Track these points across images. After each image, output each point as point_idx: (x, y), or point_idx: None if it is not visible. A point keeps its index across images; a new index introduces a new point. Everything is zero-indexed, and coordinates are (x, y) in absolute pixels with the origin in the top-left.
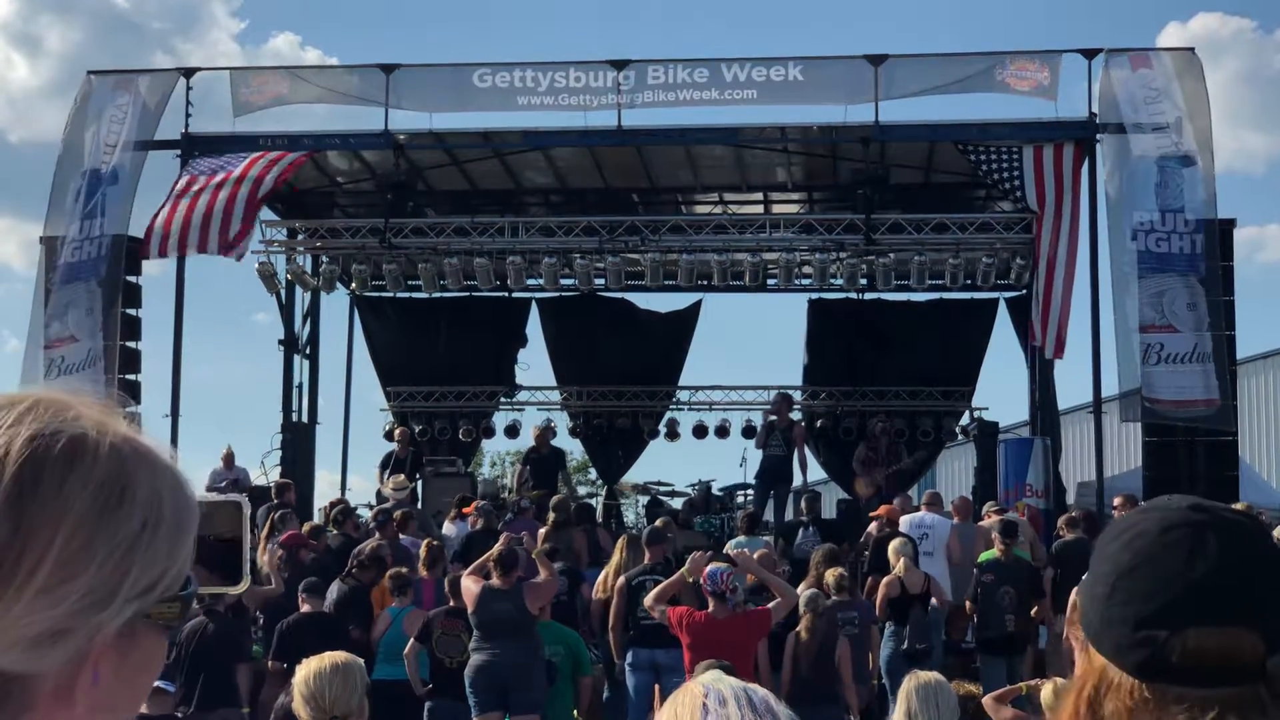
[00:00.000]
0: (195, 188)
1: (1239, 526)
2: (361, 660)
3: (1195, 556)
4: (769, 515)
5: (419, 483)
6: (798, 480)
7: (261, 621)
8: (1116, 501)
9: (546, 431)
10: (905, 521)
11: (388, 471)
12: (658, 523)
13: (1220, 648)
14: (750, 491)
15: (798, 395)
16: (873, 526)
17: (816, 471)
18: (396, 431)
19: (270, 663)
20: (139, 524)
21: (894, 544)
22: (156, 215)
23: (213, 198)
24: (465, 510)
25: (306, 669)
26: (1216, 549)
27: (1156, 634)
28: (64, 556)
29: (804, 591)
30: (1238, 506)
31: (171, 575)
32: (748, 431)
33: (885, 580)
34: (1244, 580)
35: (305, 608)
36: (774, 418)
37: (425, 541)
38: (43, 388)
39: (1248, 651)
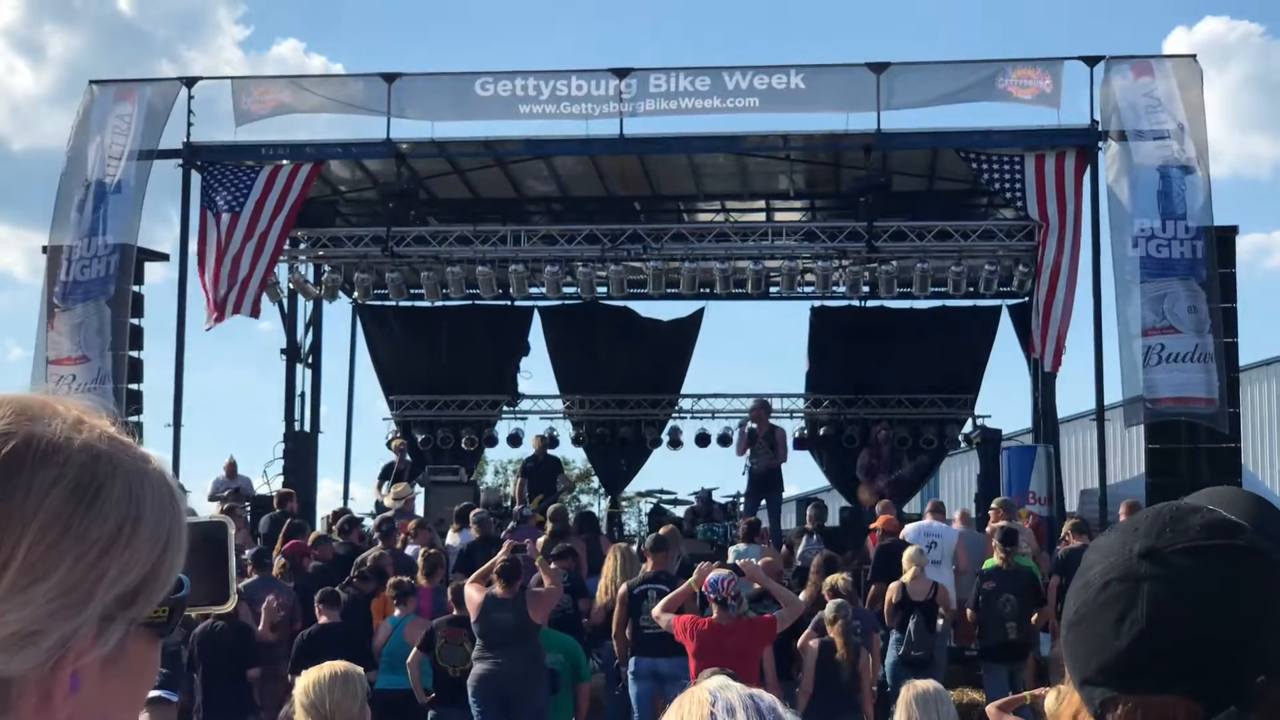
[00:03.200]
0: (214, 243)
1: (1184, 578)
2: (362, 669)
3: (1125, 621)
4: (763, 523)
5: (421, 492)
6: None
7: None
8: (1123, 509)
9: (543, 440)
10: (911, 529)
11: (389, 482)
12: (661, 530)
13: (1149, 718)
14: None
15: (800, 403)
16: (871, 537)
17: (817, 479)
18: (394, 442)
19: (290, 676)
20: (115, 524)
21: (909, 552)
22: (200, 271)
23: (234, 261)
24: (460, 526)
25: (307, 678)
26: (1147, 612)
27: (1094, 693)
28: (33, 557)
29: (831, 601)
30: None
31: (160, 578)
32: (723, 440)
33: (891, 586)
34: (1175, 646)
35: (322, 619)
36: (753, 425)
37: (422, 550)
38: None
39: (1179, 718)
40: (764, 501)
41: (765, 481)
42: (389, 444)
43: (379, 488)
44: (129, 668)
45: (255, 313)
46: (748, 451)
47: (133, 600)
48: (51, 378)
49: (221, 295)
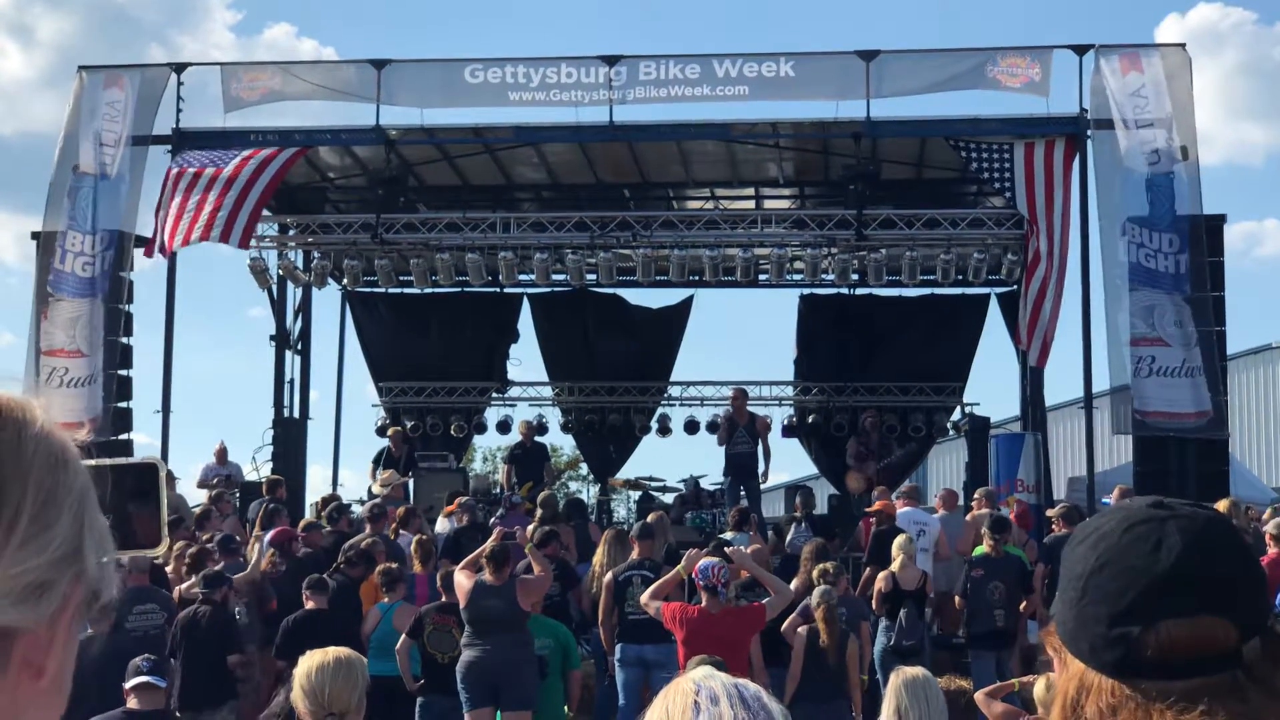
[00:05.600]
0: (187, 184)
1: (1199, 519)
2: (364, 657)
3: (1160, 550)
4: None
5: (410, 479)
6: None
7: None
8: (1116, 492)
9: (530, 426)
10: (900, 516)
11: (380, 468)
12: (649, 518)
13: (1193, 638)
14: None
15: (789, 391)
16: (865, 522)
17: (805, 466)
18: (390, 430)
19: (278, 662)
20: (83, 480)
21: (899, 540)
22: (156, 214)
23: (219, 198)
24: (449, 509)
25: (309, 663)
26: (1180, 541)
27: (1129, 630)
28: (36, 507)
29: (816, 588)
30: (1221, 503)
31: (109, 535)
32: (711, 427)
33: (880, 575)
34: (1209, 570)
35: (309, 605)
36: (733, 412)
37: (416, 537)
38: (46, 393)
39: (1220, 640)
40: (743, 489)
41: (744, 469)
42: (380, 430)
43: (372, 474)
44: (77, 626)
45: (244, 244)
46: (727, 440)
47: (105, 553)
48: (44, 368)
49: (184, 227)
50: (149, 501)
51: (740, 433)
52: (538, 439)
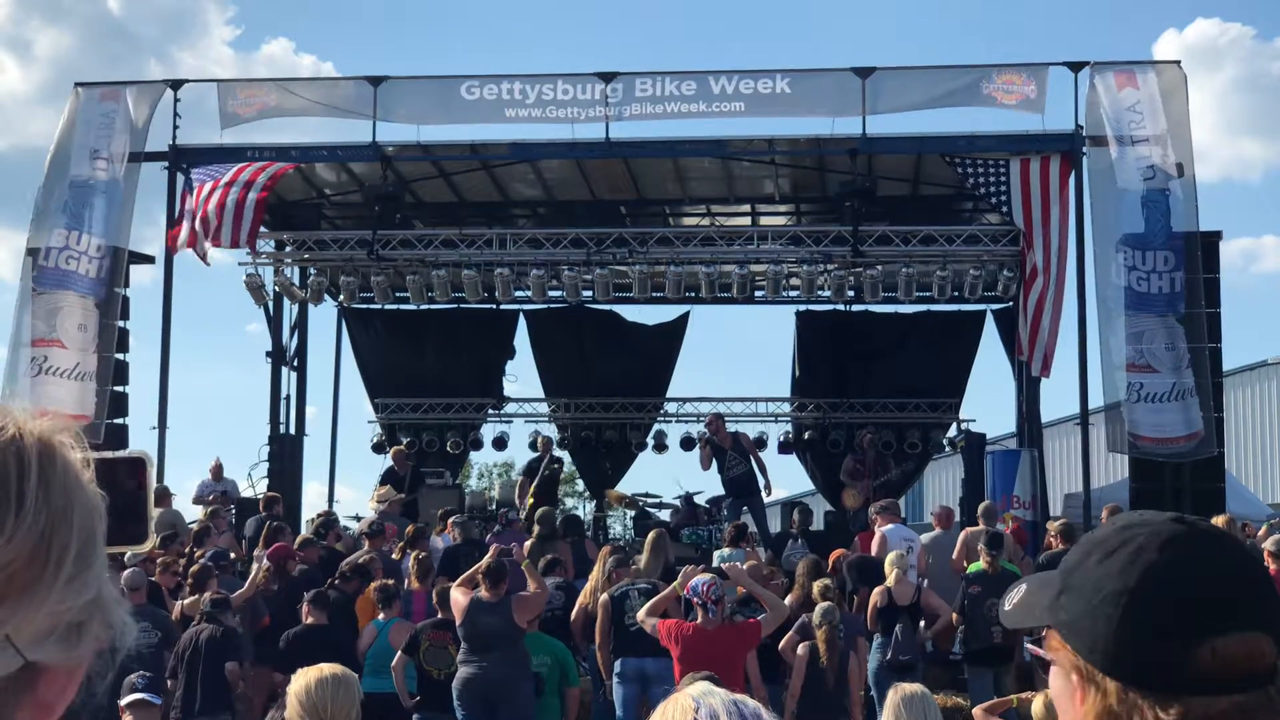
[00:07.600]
0: (201, 196)
1: (1223, 537)
2: (355, 674)
3: (1204, 568)
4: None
5: (419, 494)
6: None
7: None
8: (1104, 513)
9: (548, 442)
10: (890, 532)
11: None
12: (650, 535)
13: (1245, 654)
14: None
15: (785, 407)
16: (861, 536)
17: (802, 483)
18: (393, 450)
19: (275, 675)
20: (104, 526)
21: (891, 556)
22: (177, 230)
23: (221, 196)
24: (441, 528)
25: (305, 679)
26: (1220, 559)
27: (1183, 648)
28: (80, 546)
29: (819, 605)
30: (1218, 520)
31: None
32: (686, 443)
33: (876, 590)
34: (1252, 586)
35: (309, 620)
36: (714, 437)
37: (414, 554)
38: (26, 385)
39: (1265, 654)
40: (745, 508)
41: (744, 489)
42: (376, 447)
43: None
44: None
45: (251, 244)
46: (714, 464)
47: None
48: (26, 359)
49: (201, 234)
50: (136, 497)
51: (730, 456)
52: (555, 452)
